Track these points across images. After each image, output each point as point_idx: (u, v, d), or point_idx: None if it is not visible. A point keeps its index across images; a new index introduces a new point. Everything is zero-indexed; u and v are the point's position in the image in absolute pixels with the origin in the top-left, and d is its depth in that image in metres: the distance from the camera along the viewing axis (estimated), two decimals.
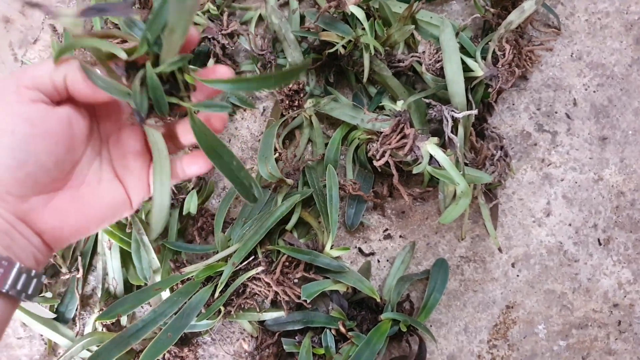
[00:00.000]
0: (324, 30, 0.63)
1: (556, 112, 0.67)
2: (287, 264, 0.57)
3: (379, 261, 0.64)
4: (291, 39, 0.64)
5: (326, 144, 0.64)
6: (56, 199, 0.33)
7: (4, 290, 0.31)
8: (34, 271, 0.33)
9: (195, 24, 0.61)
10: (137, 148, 0.37)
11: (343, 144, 0.65)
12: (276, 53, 0.65)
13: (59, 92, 0.32)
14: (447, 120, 0.58)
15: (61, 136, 0.32)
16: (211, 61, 0.65)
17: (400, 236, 0.65)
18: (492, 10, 0.65)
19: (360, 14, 0.60)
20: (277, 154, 0.62)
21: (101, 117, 0.36)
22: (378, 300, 0.57)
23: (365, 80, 0.63)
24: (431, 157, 0.56)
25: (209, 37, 0.62)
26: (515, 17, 0.59)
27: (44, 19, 0.72)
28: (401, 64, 0.64)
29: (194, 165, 0.38)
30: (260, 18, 0.69)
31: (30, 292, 0.33)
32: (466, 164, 0.61)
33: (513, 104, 0.68)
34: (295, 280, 0.57)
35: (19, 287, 0.31)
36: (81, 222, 0.35)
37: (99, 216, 0.35)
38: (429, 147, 0.56)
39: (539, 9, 0.69)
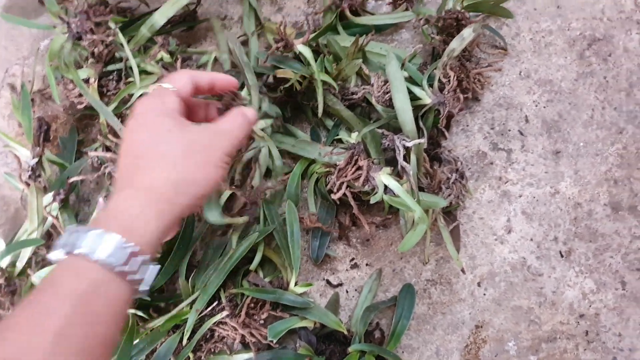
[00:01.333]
0: (277, 68, 0.64)
1: (509, 130, 0.69)
2: (252, 305, 0.58)
3: (347, 291, 0.65)
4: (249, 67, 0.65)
5: (286, 173, 0.65)
6: None
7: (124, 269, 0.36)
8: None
9: (149, 73, 0.62)
10: None
11: (304, 178, 0.66)
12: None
13: None
14: (399, 149, 0.59)
15: None
16: None
17: (367, 264, 0.66)
18: (437, 37, 0.67)
19: (307, 52, 0.61)
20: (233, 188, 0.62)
21: None
22: (345, 332, 0.58)
23: (320, 114, 0.65)
24: (386, 186, 0.58)
25: None
26: (456, 45, 0.61)
27: (3, 77, 0.73)
28: (354, 97, 0.66)
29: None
30: (216, 60, 0.71)
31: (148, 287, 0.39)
32: (422, 190, 0.62)
33: (467, 126, 0.69)
34: (262, 321, 0.57)
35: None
36: None
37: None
38: (383, 177, 0.57)
39: (485, 32, 0.71)
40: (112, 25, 0.59)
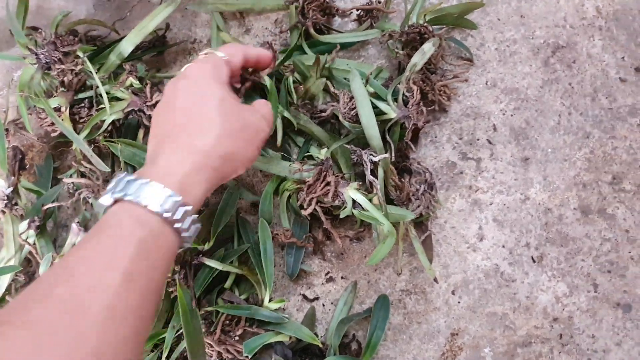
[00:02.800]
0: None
1: (478, 140, 0.70)
2: (227, 322, 0.58)
3: (324, 305, 0.66)
4: None
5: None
6: None
7: (179, 226, 0.39)
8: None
9: (119, 99, 0.64)
10: None
11: (276, 195, 0.67)
12: None
13: None
14: (367, 164, 0.60)
15: None
16: (141, 132, 0.67)
17: (342, 277, 0.67)
18: (402, 52, 0.68)
19: (268, 82, 0.62)
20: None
21: None
22: (320, 345, 0.59)
23: (279, 144, 0.65)
24: (354, 200, 0.59)
25: (135, 109, 0.64)
26: (418, 59, 0.63)
27: None
28: (323, 114, 0.67)
29: None
30: None
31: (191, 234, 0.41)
32: (393, 202, 0.63)
33: (435, 137, 0.71)
34: (237, 337, 0.58)
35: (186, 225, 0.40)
36: None
37: None
38: (350, 192, 0.58)
39: (450, 44, 0.72)
40: (80, 54, 0.60)
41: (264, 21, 0.75)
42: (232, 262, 0.62)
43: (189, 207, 0.39)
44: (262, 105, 0.53)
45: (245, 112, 0.48)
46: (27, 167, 0.66)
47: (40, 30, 0.66)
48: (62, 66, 0.58)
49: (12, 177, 0.63)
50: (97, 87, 0.60)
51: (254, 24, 0.75)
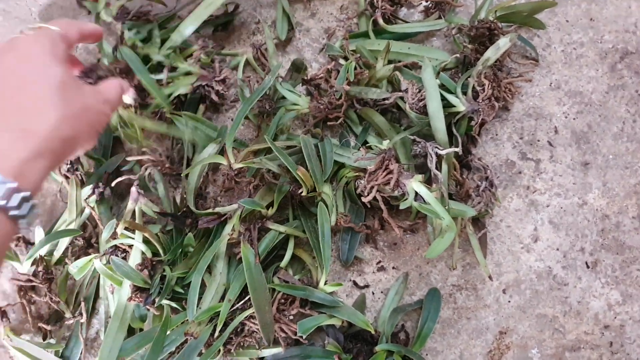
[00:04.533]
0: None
1: (538, 140, 0.70)
2: (282, 301, 0.59)
3: (373, 293, 0.66)
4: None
5: None
6: None
7: (15, 213, 0.37)
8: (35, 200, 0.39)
9: (189, 73, 0.64)
10: None
11: (332, 182, 0.67)
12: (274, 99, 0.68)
13: None
14: (432, 157, 0.60)
15: None
16: (202, 107, 0.68)
17: (393, 267, 0.67)
18: (469, 46, 0.68)
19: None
20: None
21: None
22: (372, 332, 0.59)
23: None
24: (417, 193, 0.59)
25: (203, 84, 0.65)
26: (491, 54, 0.62)
27: None
28: (386, 102, 0.67)
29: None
30: (247, 62, 0.73)
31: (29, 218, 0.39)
32: (451, 197, 0.63)
33: (496, 134, 0.70)
34: (291, 317, 0.58)
35: (24, 211, 0.38)
36: None
37: None
38: (414, 184, 0.58)
39: (516, 42, 0.72)
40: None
41: (329, 6, 0.75)
42: (288, 242, 0.62)
43: (27, 193, 0.38)
44: (108, 88, 0.49)
45: (87, 94, 0.44)
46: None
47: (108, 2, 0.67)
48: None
49: None
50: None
51: (319, 9, 0.75)
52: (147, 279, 0.58)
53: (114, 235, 0.61)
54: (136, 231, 0.59)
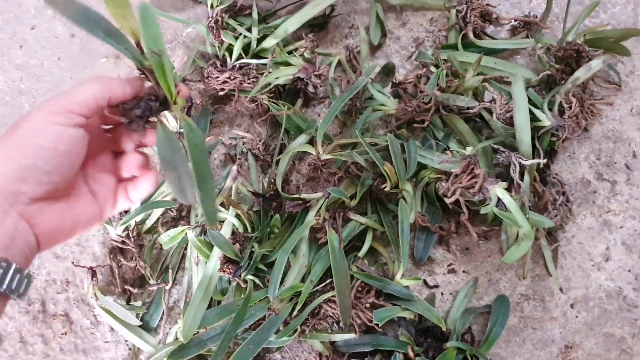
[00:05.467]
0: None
1: (616, 163, 0.71)
2: (360, 288, 0.61)
3: (442, 294, 0.68)
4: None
5: None
6: (55, 206, 0.38)
7: (1, 290, 0.34)
8: (25, 271, 0.36)
9: (291, 64, 0.69)
10: (110, 168, 0.43)
11: (411, 181, 0.70)
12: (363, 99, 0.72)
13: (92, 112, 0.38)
14: (515, 167, 0.62)
15: (80, 153, 0.38)
16: (299, 100, 0.72)
17: (464, 271, 0.69)
18: (556, 66, 0.70)
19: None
20: None
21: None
22: (444, 329, 0.61)
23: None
24: (498, 199, 0.61)
25: (302, 77, 0.69)
26: (582, 74, 0.65)
27: None
28: (470, 111, 0.69)
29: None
30: (338, 63, 0.77)
31: (21, 291, 0.36)
32: (530, 208, 0.65)
33: (574, 153, 0.72)
34: (367, 305, 0.61)
35: (13, 286, 0.35)
36: (71, 228, 0.39)
37: (82, 225, 0.40)
38: (498, 190, 0.60)
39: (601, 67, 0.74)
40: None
41: (420, 17, 0.79)
42: (367, 234, 0.65)
43: (16, 265, 0.35)
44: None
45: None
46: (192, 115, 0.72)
47: None
48: (231, 34, 0.65)
49: (178, 121, 0.68)
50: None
51: (410, 19, 0.79)
52: (237, 252, 0.62)
53: None
54: (230, 207, 0.63)
